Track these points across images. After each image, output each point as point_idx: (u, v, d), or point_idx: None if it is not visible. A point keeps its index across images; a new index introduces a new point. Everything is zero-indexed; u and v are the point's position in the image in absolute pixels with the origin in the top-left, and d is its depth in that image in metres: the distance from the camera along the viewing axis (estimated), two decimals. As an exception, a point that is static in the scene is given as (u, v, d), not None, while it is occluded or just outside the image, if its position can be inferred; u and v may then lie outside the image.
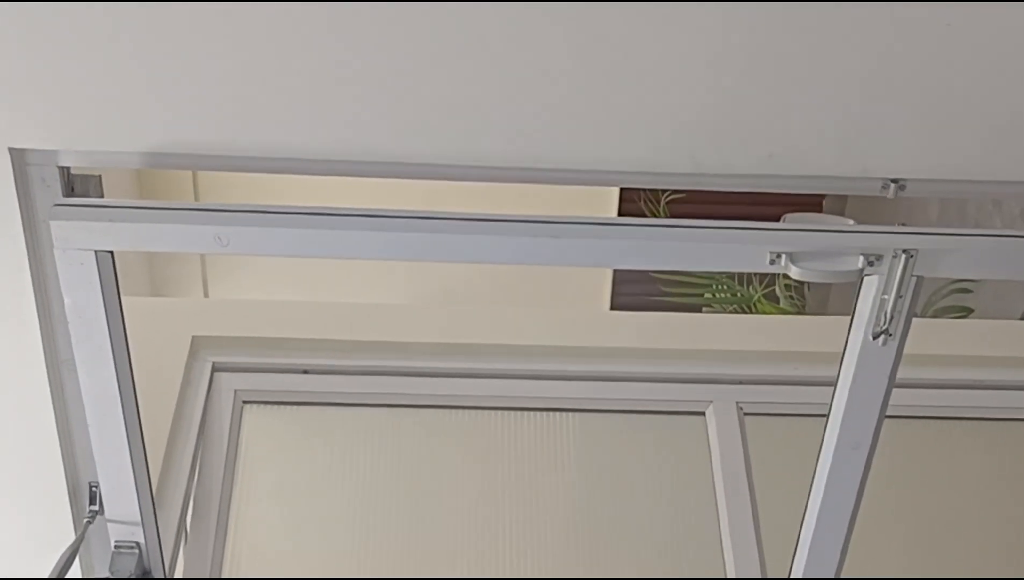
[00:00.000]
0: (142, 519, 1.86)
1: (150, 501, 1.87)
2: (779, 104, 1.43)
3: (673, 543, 2.25)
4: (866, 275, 1.53)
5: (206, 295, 4.96)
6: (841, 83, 1.42)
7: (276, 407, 2.32)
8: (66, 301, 1.59)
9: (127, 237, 1.53)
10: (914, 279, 1.52)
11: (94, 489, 1.83)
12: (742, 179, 1.50)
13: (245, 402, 2.30)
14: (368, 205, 1.53)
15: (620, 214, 4.20)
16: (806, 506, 1.85)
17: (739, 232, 1.49)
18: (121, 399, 1.71)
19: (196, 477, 2.20)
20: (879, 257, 1.49)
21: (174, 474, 2.16)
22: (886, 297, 1.53)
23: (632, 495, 2.29)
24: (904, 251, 1.49)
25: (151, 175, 4.20)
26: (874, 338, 1.56)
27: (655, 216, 3.69)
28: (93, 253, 1.54)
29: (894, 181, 1.50)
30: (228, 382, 2.30)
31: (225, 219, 1.50)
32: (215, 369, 2.31)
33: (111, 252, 1.56)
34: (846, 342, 1.61)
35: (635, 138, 1.45)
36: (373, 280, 4.77)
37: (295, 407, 2.32)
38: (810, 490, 1.84)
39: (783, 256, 1.48)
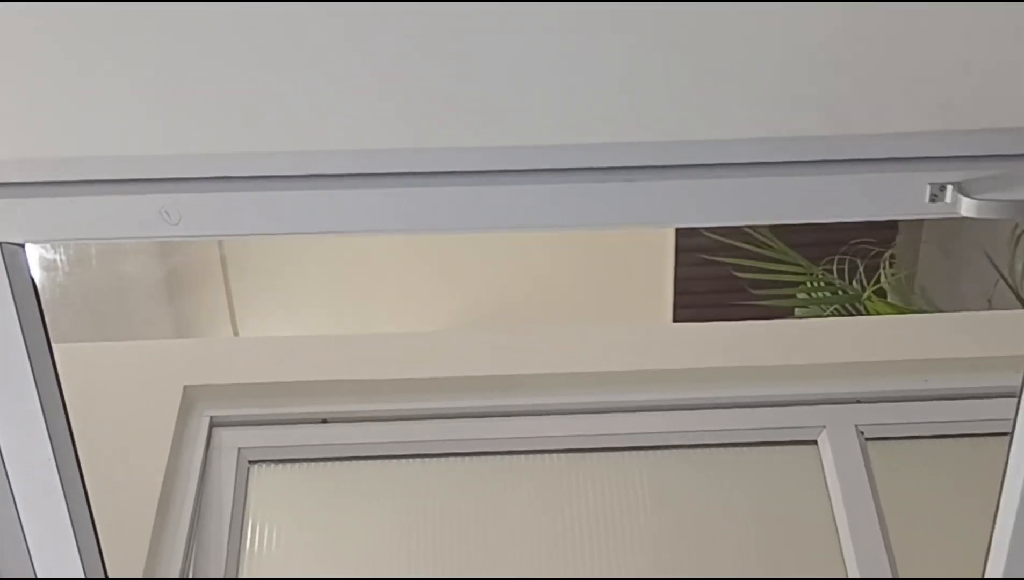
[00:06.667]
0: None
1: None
2: (953, 34, 1.05)
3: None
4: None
5: (236, 334, 4.75)
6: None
7: (289, 466, 2.05)
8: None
9: (41, 222, 1.20)
10: None
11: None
12: (897, 143, 1.11)
13: (251, 462, 2.03)
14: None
15: (676, 276, 3.84)
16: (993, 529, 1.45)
17: (886, 162, 1.14)
18: (53, 447, 1.33)
19: (193, 557, 1.91)
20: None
21: (165, 554, 1.87)
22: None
23: (735, 546, 1.96)
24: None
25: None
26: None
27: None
28: (-2, 247, 1.22)
29: None
30: (230, 439, 2.04)
31: (172, 187, 1.16)
32: (213, 424, 2.04)
33: (22, 246, 1.24)
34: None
35: (744, 95, 1.06)
36: (413, 309, 4.56)
37: (312, 464, 2.05)
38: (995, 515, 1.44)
39: (948, 188, 1.13)
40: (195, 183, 1.13)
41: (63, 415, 1.33)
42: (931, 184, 1.12)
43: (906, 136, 1.05)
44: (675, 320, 4.01)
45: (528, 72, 1.05)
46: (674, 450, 2.05)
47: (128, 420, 1.97)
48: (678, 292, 3.83)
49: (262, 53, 1.06)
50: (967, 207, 1.10)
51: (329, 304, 4.55)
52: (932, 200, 1.12)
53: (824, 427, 2.00)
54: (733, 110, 1.03)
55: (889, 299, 2.95)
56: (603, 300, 4.48)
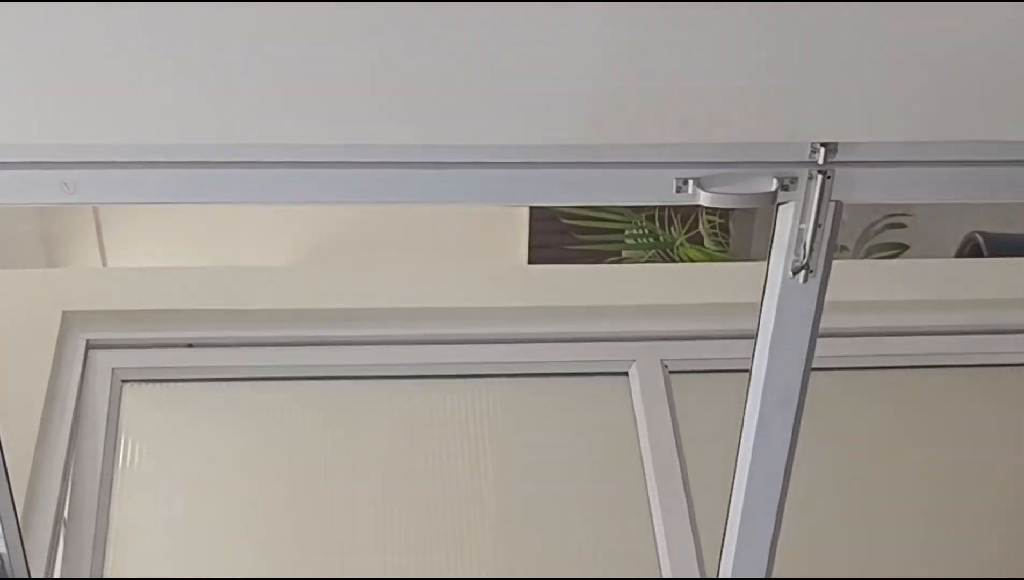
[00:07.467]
0: (2, 527, 1.66)
1: (9, 503, 1.66)
2: (692, 63, 1.26)
3: (599, 513, 2.12)
4: (781, 203, 1.40)
5: (105, 265, 4.73)
6: (761, 35, 1.25)
7: (158, 385, 2.16)
8: None
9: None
10: (833, 205, 1.39)
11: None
12: (652, 149, 1.33)
13: (124, 381, 2.14)
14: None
15: (532, 221, 4.04)
16: (734, 474, 1.72)
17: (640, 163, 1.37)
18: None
19: (72, 467, 2.02)
20: (794, 180, 1.37)
21: (47, 466, 1.99)
22: (804, 226, 1.40)
23: (553, 465, 2.15)
24: (820, 172, 1.36)
25: None
26: (794, 274, 1.44)
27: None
28: None
29: (824, 145, 1.34)
30: (104, 360, 2.14)
31: (70, 166, 1.31)
32: (89, 346, 2.14)
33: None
34: (764, 283, 1.49)
35: (529, 110, 1.27)
36: (279, 240, 4.60)
37: (179, 384, 2.16)
38: (736, 458, 1.71)
39: (690, 182, 1.35)
40: (89, 164, 1.29)
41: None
42: (676, 179, 1.34)
43: (654, 147, 1.28)
44: (531, 262, 4.18)
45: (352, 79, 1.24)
46: (506, 378, 2.21)
47: (10, 342, 2.07)
48: (533, 246, 4.01)
49: (137, 60, 1.21)
50: (704, 198, 1.33)
51: (191, 233, 4.55)
52: (678, 191, 1.34)
53: (634, 361, 2.18)
54: (522, 122, 1.24)
55: (706, 245, 3.18)
56: (468, 246, 4.56)
